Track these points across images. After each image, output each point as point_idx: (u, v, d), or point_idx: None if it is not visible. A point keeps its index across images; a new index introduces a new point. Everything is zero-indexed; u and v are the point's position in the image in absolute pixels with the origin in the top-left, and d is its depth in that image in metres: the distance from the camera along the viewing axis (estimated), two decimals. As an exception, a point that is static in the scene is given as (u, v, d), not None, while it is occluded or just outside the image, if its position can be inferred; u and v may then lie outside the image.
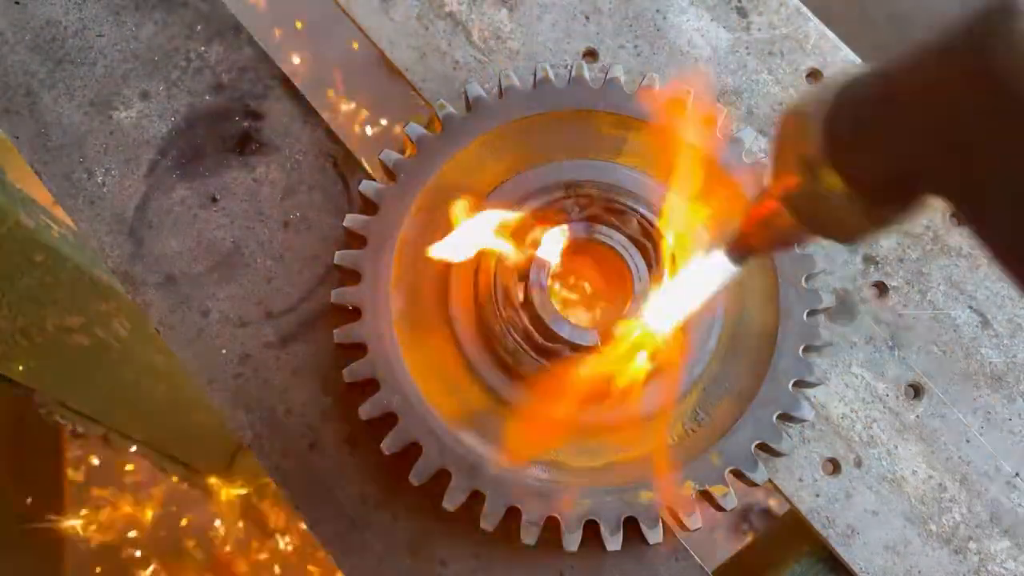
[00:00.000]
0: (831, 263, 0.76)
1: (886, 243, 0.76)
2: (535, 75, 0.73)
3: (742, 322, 0.70)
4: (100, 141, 0.76)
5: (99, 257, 0.75)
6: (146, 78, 0.78)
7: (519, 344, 0.66)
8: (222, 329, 0.73)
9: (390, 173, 0.72)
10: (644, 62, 0.79)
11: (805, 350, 0.69)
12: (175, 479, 1.80)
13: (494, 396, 0.68)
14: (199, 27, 0.79)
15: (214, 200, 0.75)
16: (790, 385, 0.68)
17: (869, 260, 0.76)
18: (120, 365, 1.34)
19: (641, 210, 0.69)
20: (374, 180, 0.73)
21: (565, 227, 0.68)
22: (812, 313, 0.70)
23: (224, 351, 0.72)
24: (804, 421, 0.68)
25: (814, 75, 0.79)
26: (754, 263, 0.69)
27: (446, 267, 0.70)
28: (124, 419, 1.47)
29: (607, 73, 0.74)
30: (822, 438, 0.72)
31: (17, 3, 0.79)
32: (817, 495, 0.71)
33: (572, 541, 0.66)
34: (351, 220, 0.70)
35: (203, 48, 0.79)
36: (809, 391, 0.72)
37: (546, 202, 0.69)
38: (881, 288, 0.76)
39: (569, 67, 0.76)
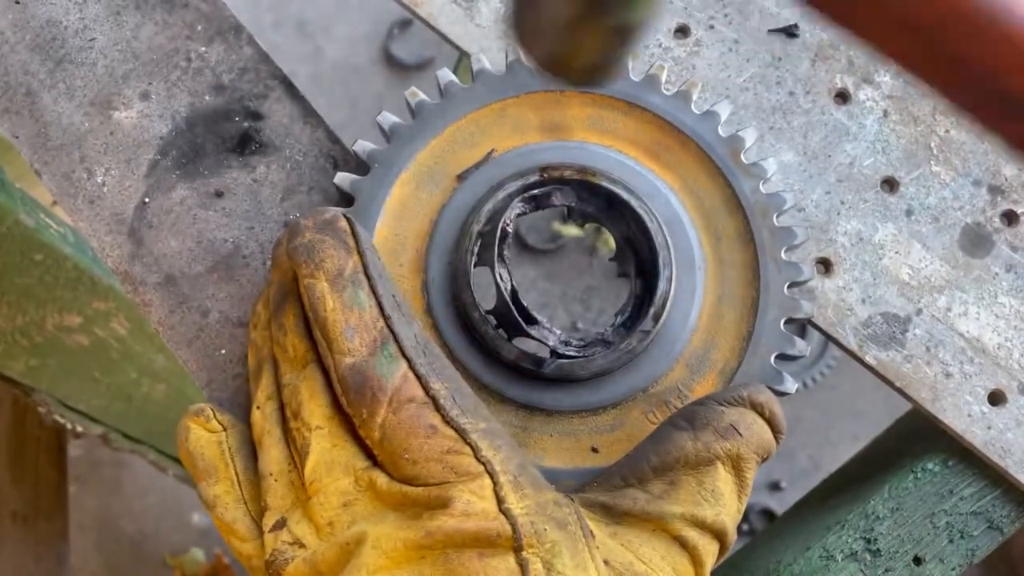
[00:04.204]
0: (957, 199, 0.77)
1: (1008, 171, 0.77)
2: (507, 57, 0.73)
3: (723, 297, 0.70)
4: (100, 141, 0.77)
5: (99, 257, 0.75)
6: (146, 78, 0.78)
7: (497, 332, 0.67)
8: (222, 329, 0.73)
9: (363, 164, 0.72)
10: (737, 29, 0.80)
11: (786, 323, 0.69)
12: (174, 478, 1.80)
13: (477, 383, 0.68)
14: (200, 27, 0.79)
15: (214, 200, 0.76)
16: (772, 359, 0.68)
17: (995, 191, 0.77)
18: (120, 364, 1.34)
19: (617, 191, 0.69)
20: (349, 172, 0.73)
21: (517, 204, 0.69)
22: (792, 285, 0.70)
23: (224, 351, 0.73)
24: (787, 395, 0.68)
25: None
26: (734, 239, 0.70)
27: (423, 258, 0.70)
28: (124, 418, 1.47)
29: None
30: (983, 371, 0.74)
31: (17, 3, 0.79)
32: (988, 427, 0.73)
33: None
34: None
35: (204, 48, 0.79)
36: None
37: (521, 186, 0.69)
38: (1011, 216, 0.77)
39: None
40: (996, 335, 0.75)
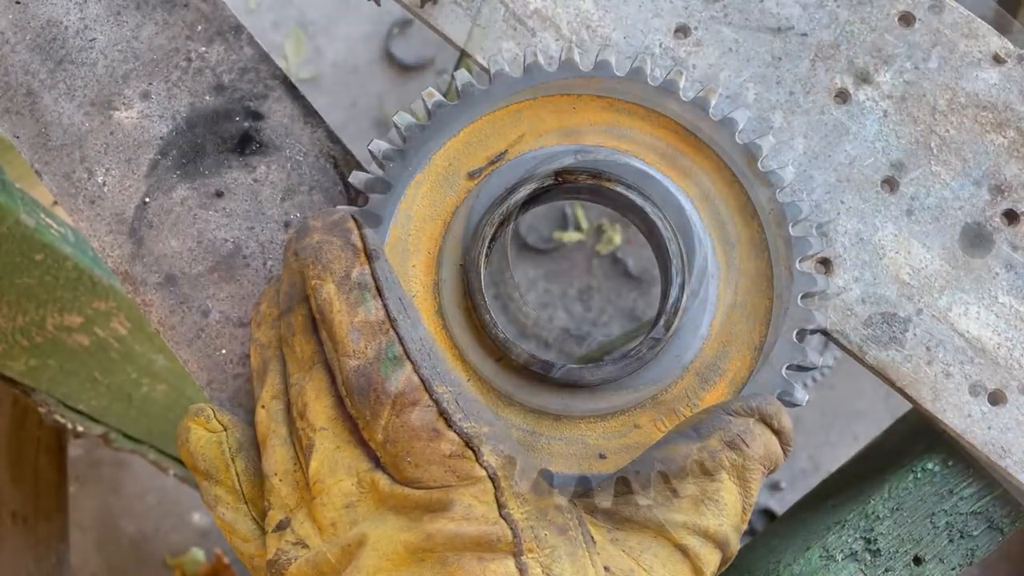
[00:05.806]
0: (957, 198, 0.77)
1: (1008, 171, 0.77)
2: (524, 60, 0.73)
3: (736, 306, 0.69)
4: (100, 141, 0.77)
5: (99, 257, 0.75)
6: (147, 78, 0.78)
7: (508, 335, 0.67)
8: (222, 329, 0.73)
9: (379, 163, 0.71)
10: (737, 28, 0.80)
11: (798, 334, 0.69)
12: (175, 478, 1.80)
13: (486, 385, 0.68)
14: (200, 27, 0.79)
15: (214, 200, 0.76)
16: (783, 369, 0.68)
17: (995, 190, 0.77)
18: (120, 364, 1.34)
19: (632, 196, 0.68)
20: (364, 171, 0.73)
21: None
22: (806, 296, 0.70)
23: (224, 351, 0.73)
24: (797, 406, 0.68)
25: (905, 18, 0.80)
26: (749, 247, 0.70)
27: (435, 259, 0.70)
28: (124, 418, 1.47)
29: (598, 55, 0.73)
30: (982, 371, 0.74)
31: (18, 3, 0.79)
32: (988, 428, 0.73)
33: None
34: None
35: (204, 48, 0.79)
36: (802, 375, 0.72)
37: (535, 189, 0.69)
38: (1011, 216, 0.77)
39: (559, 51, 0.75)
40: (996, 335, 0.75)
